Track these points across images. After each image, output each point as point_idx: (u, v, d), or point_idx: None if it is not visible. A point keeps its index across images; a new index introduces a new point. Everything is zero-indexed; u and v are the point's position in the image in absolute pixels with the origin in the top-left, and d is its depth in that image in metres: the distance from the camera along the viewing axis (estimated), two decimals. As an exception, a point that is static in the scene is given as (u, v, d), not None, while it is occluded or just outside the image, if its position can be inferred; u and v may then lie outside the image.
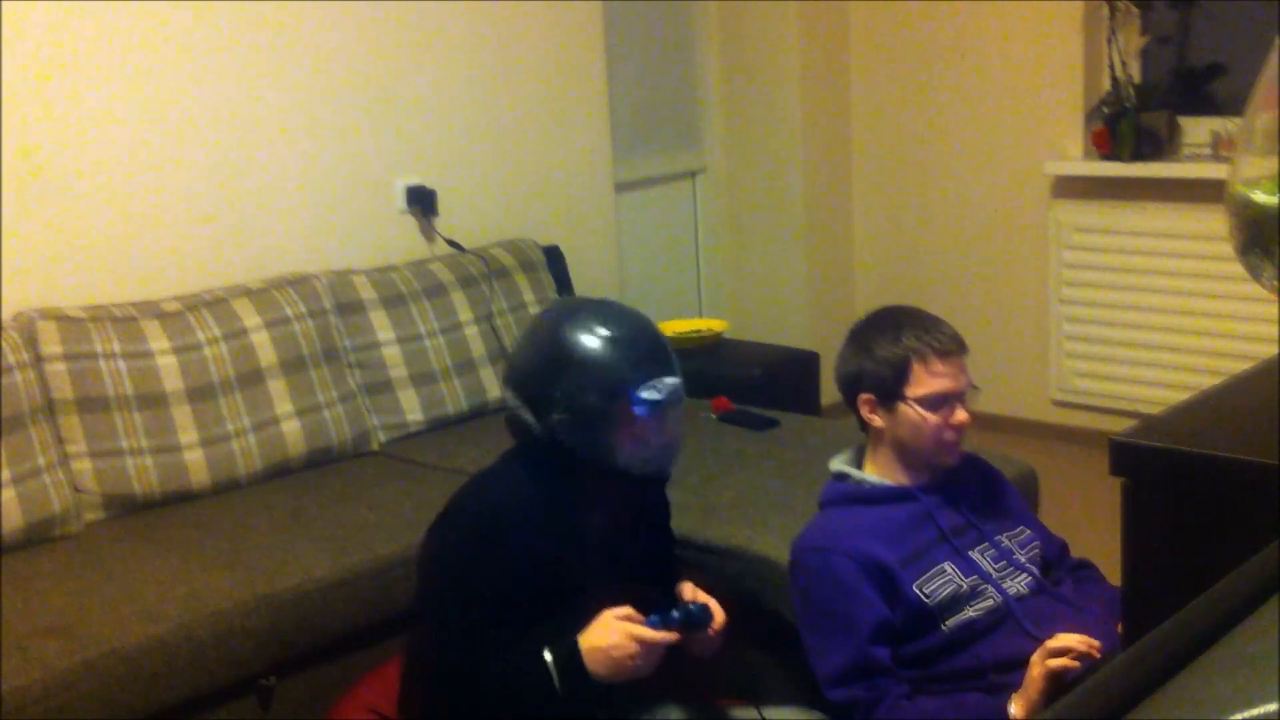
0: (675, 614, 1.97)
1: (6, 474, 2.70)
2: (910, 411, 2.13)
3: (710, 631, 2.02)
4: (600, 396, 1.97)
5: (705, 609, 2.02)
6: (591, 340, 1.99)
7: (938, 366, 2.11)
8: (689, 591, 2.09)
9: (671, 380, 2.02)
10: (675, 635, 1.95)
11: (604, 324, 2.01)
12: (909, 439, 2.15)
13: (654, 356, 2.03)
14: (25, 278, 3.00)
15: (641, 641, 1.91)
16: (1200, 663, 0.91)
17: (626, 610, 1.95)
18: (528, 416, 2.02)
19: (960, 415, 2.13)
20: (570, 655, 1.91)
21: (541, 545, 2.00)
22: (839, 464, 2.28)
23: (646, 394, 1.98)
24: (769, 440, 3.25)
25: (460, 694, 1.97)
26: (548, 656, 1.92)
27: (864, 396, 2.17)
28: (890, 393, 2.14)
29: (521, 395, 2.04)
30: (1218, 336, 4.23)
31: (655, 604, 2.00)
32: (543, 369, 2.02)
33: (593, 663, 1.91)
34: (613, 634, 1.92)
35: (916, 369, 2.12)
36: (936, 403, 2.12)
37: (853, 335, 2.21)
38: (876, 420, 2.18)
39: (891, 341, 2.14)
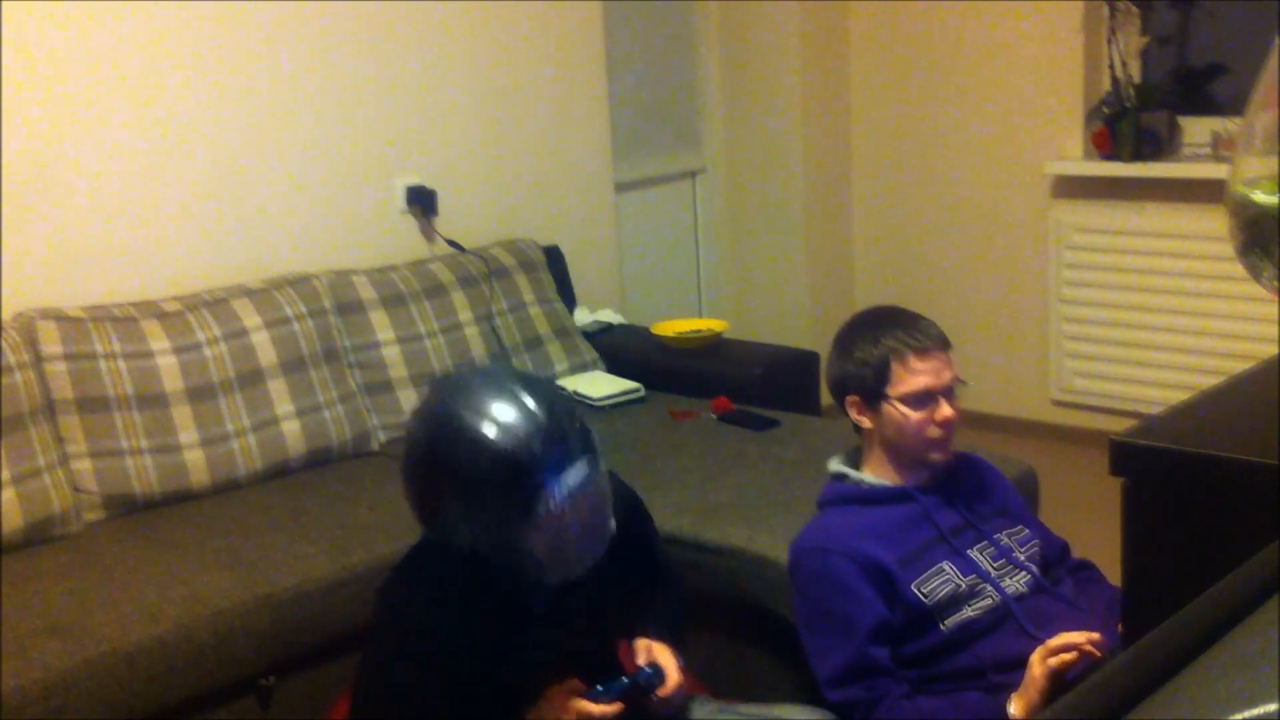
0: (624, 680, 1.92)
1: (6, 474, 2.70)
2: (893, 410, 2.13)
3: (662, 694, 1.94)
4: (486, 515, 1.75)
5: (657, 672, 1.95)
6: (471, 444, 1.73)
7: (916, 364, 2.12)
8: (643, 652, 1.99)
9: (567, 480, 1.75)
10: (618, 706, 1.89)
11: (485, 418, 1.74)
12: (895, 438, 2.16)
13: (550, 450, 1.74)
14: (25, 278, 3.00)
15: (581, 714, 1.85)
16: (1200, 663, 0.91)
17: (571, 684, 1.88)
18: (428, 528, 1.85)
19: (945, 411, 2.13)
20: None
21: (484, 623, 1.88)
22: (837, 465, 2.28)
23: (538, 507, 1.74)
24: (769, 440, 3.24)
25: None
26: None
27: (850, 398, 2.19)
28: (874, 393, 2.15)
29: (414, 505, 1.84)
30: (1218, 336, 4.23)
31: (606, 667, 1.95)
32: (429, 489, 1.80)
33: None
34: (555, 709, 1.85)
35: (896, 368, 2.13)
36: (918, 400, 2.12)
37: (837, 339, 2.23)
38: (865, 421, 2.19)
39: (871, 343, 2.15)
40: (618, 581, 2.03)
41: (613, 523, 1.88)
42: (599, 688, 1.89)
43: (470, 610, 1.88)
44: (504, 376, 1.83)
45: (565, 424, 1.78)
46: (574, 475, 1.76)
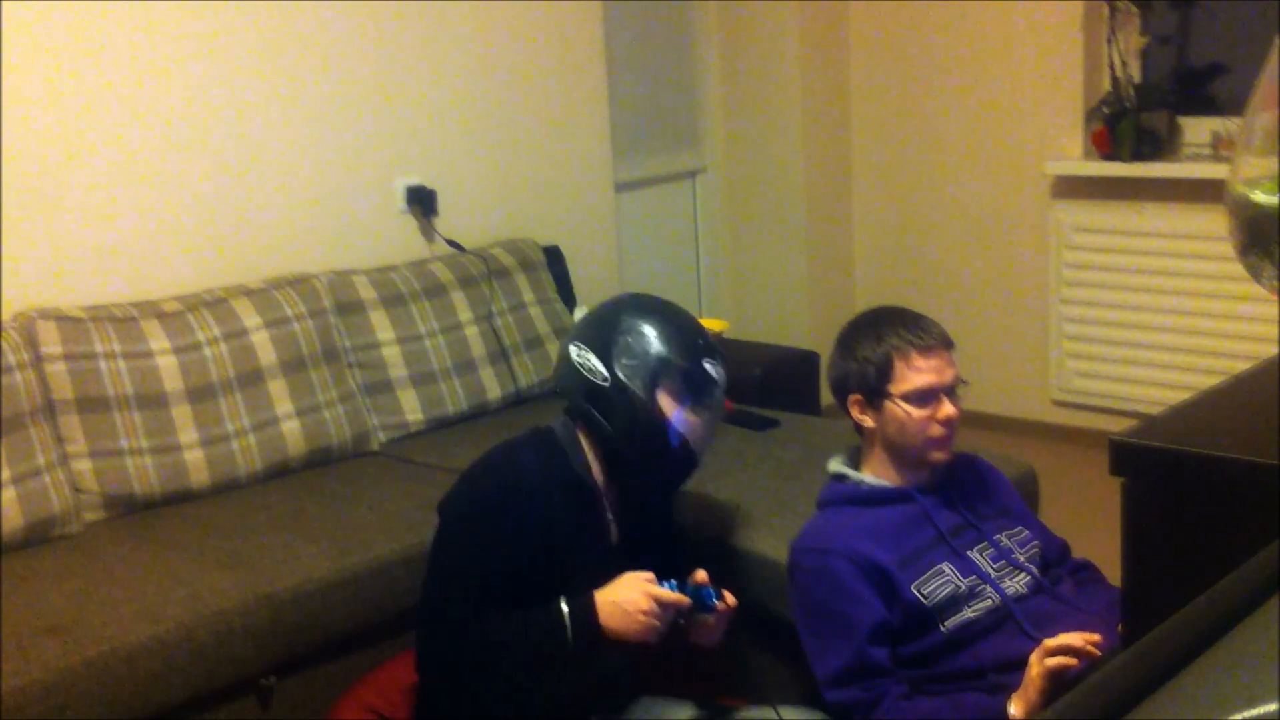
0: (690, 587, 2.03)
1: (6, 474, 2.70)
2: (896, 408, 2.14)
3: (720, 609, 2.06)
4: (665, 354, 2.11)
5: (717, 593, 2.07)
6: (664, 321, 2.15)
7: (919, 362, 2.13)
8: (703, 575, 2.12)
9: (715, 372, 2.16)
10: (688, 600, 2.01)
11: (674, 311, 2.20)
12: (897, 436, 2.16)
13: (711, 349, 2.18)
14: (25, 278, 3.00)
15: (656, 599, 1.97)
16: (1200, 663, 0.91)
17: (647, 574, 2.01)
18: (596, 364, 2.12)
19: (947, 409, 2.14)
20: (585, 607, 1.98)
21: (559, 522, 2.07)
22: (836, 465, 2.29)
23: (707, 365, 2.14)
24: (769, 440, 3.24)
25: (472, 643, 2.01)
26: (563, 606, 1.98)
27: (853, 398, 2.19)
28: (876, 391, 2.15)
29: (592, 347, 2.14)
30: (1218, 336, 4.23)
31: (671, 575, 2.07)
32: (620, 328, 2.14)
33: (606, 616, 1.98)
34: (629, 589, 1.98)
35: (899, 366, 2.13)
36: (921, 398, 2.13)
37: (840, 339, 2.24)
38: (867, 420, 2.19)
39: (874, 341, 2.16)
40: (666, 541, 2.29)
41: (712, 440, 2.24)
42: (671, 581, 2.01)
43: (575, 484, 2.13)
44: (671, 302, 2.25)
45: (711, 337, 2.23)
46: (716, 372, 2.16)
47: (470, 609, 2.02)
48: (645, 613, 1.96)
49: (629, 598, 1.97)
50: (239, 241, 3.40)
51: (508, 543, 2.04)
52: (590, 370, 2.12)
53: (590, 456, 2.18)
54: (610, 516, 2.20)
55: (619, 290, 4.40)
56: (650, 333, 2.13)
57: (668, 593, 1.98)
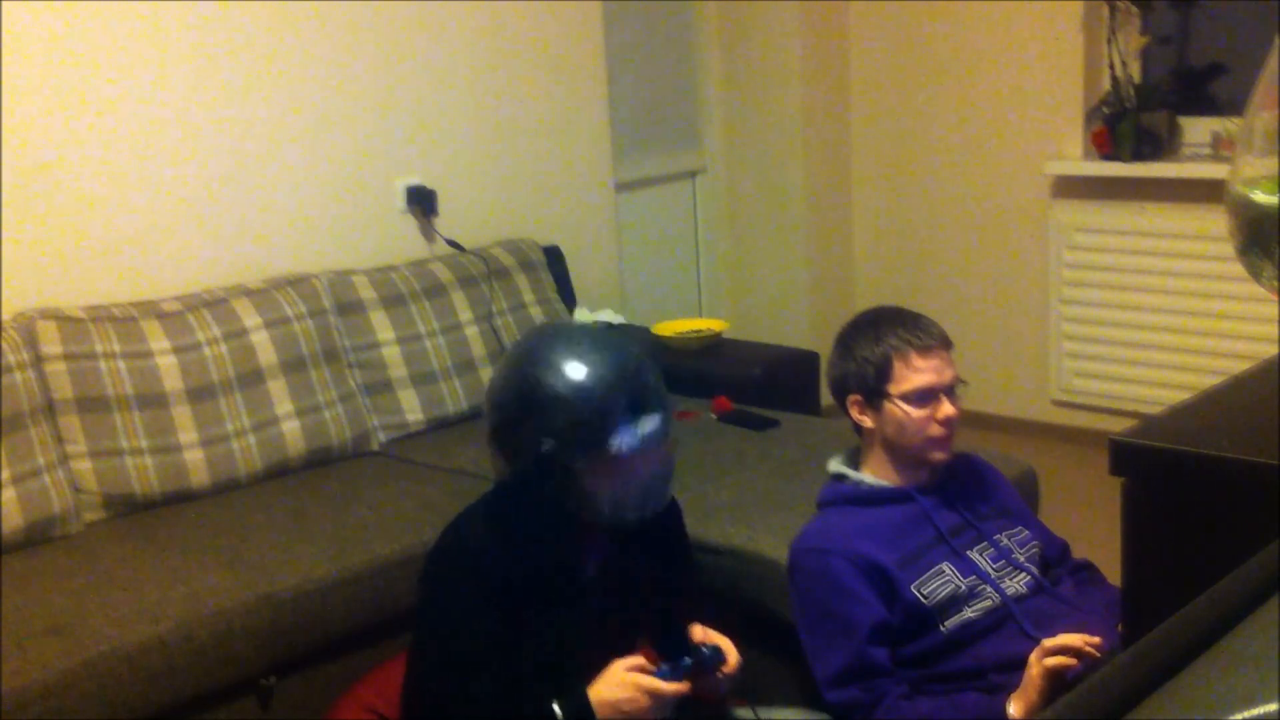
0: (687, 661, 1.92)
1: (6, 474, 2.70)
2: (895, 409, 2.14)
3: (722, 674, 1.96)
4: (573, 442, 1.84)
5: (718, 651, 1.96)
6: (562, 381, 1.85)
7: (918, 362, 2.13)
8: (699, 633, 2.02)
9: (651, 420, 1.88)
10: (686, 686, 1.90)
11: (578, 361, 1.87)
12: (896, 436, 2.16)
13: (633, 395, 1.87)
14: (25, 278, 3.00)
15: (652, 694, 1.87)
16: (1200, 663, 0.91)
17: (637, 660, 1.90)
18: (501, 463, 1.93)
19: (946, 409, 2.14)
20: (580, 709, 1.87)
21: (527, 590, 1.93)
22: (836, 465, 2.29)
23: (623, 441, 1.85)
24: (769, 440, 3.24)
25: None
26: (556, 710, 1.88)
27: (852, 398, 2.19)
28: (875, 391, 2.15)
29: (494, 439, 1.93)
30: (1218, 336, 4.23)
31: (666, 643, 1.96)
32: (512, 413, 1.90)
33: (603, 717, 1.87)
34: (623, 688, 1.87)
35: (898, 366, 2.13)
36: (921, 398, 2.13)
37: (838, 339, 2.24)
38: (866, 421, 2.19)
39: (873, 341, 2.16)
40: (659, 579, 2.07)
41: (671, 490, 1.98)
42: (664, 667, 1.90)
43: (521, 571, 1.92)
44: (592, 329, 1.99)
45: (646, 376, 1.92)
46: (649, 423, 1.88)
47: (457, 678, 1.91)
48: (643, 710, 1.86)
49: (624, 697, 1.87)
50: (239, 241, 3.40)
51: (478, 620, 1.91)
52: (506, 459, 1.93)
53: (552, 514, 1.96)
54: (586, 556, 2.02)
55: (619, 290, 4.40)
56: (554, 425, 1.85)
57: (662, 685, 1.87)
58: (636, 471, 1.89)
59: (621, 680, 1.88)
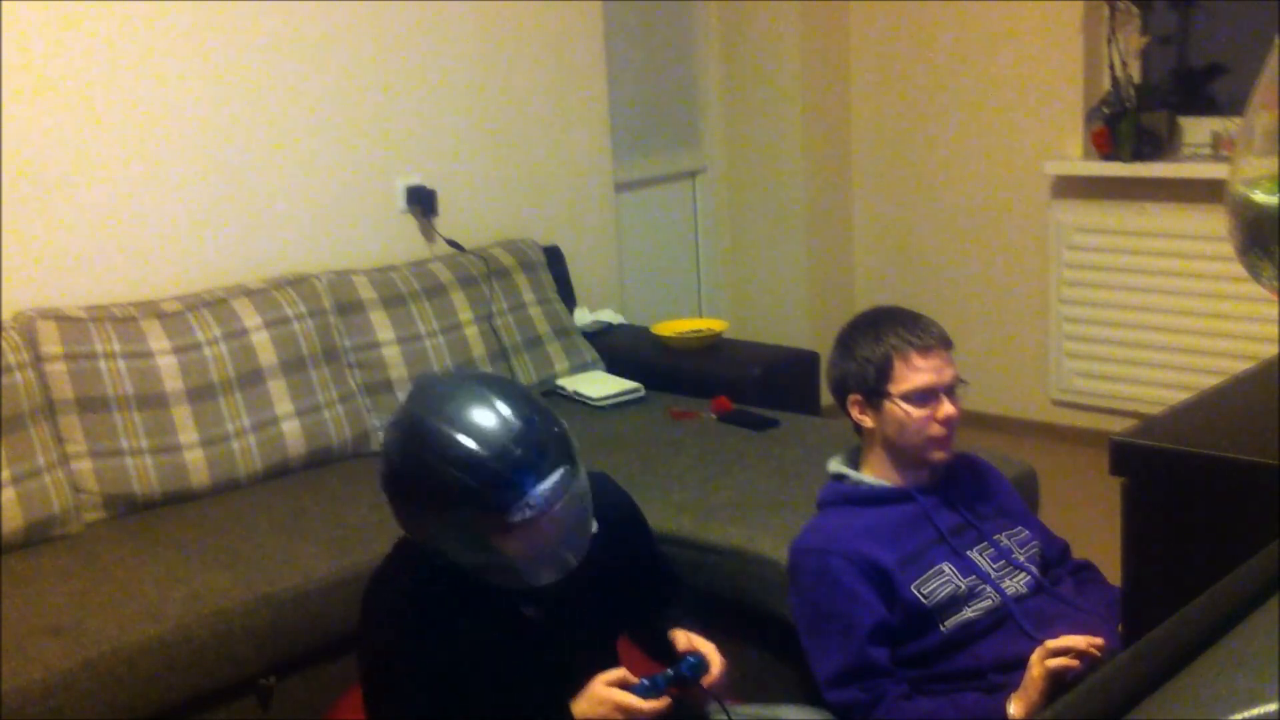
0: (669, 673, 1.89)
1: (6, 474, 2.70)
2: (895, 408, 2.14)
3: (708, 682, 1.92)
4: (466, 524, 1.74)
5: (700, 661, 1.91)
6: (444, 463, 1.71)
7: (919, 361, 2.13)
8: (683, 639, 1.98)
9: (543, 487, 1.72)
10: (666, 702, 1.86)
11: (456, 429, 1.72)
12: (897, 436, 2.16)
13: (523, 461, 1.72)
14: (25, 278, 3.00)
15: (629, 711, 1.83)
16: (1200, 663, 0.91)
17: (618, 674, 1.86)
18: (409, 535, 1.85)
19: (947, 409, 2.14)
20: None
21: (478, 618, 1.87)
22: (836, 465, 2.29)
23: (514, 516, 1.71)
24: (769, 440, 3.24)
25: None
26: None
27: (852, 398, 2.19)
28: (875, 391, 2.15)
29: (393, 511, 1.83)
30: (1218, 336, 4.23)
31: (648, 651, 1.93)
32: (404, 498, 1.79)
33: None
34: (600, 705, 1.84)
35: (898, 365, 2.13)
36: (921, 398, 2.13)
37: (839, 339, 2.24)
38: (867, 420, 2.19)
39: (873, 341, 2.16)
40: (617, 584, 2.01)
41: (593, 524, 1.85)
42: (644, 681, 1.86)
43: (457, 609, 1.86)
44: (477, 383, 1.81)
45: (539, 432, 1.75)
46: (547, 484, 1.72)
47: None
48: None
49: (602, 714, 1.83)
50: (239, 241, 3.40)
51: (426, 658, 1.85)
52: (413, 540, 1.84)
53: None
54: (528, 609, 1.92)
55: (619, 290, 4.40)
56: (441, 506, 1.73)
57: (640, 703, 1.82)
58: (543, 532, 1.75)
59: (600, 697, 1.85)
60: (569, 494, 1.76)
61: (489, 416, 1.74)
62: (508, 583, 1.81)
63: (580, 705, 1.86)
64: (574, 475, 1.78)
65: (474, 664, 1.86)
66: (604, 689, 1.85)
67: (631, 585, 2.06)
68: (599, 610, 1.99)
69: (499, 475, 1.71)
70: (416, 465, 1.74)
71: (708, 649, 1.95)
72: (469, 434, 1.72)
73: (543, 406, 1.83)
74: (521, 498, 1.71)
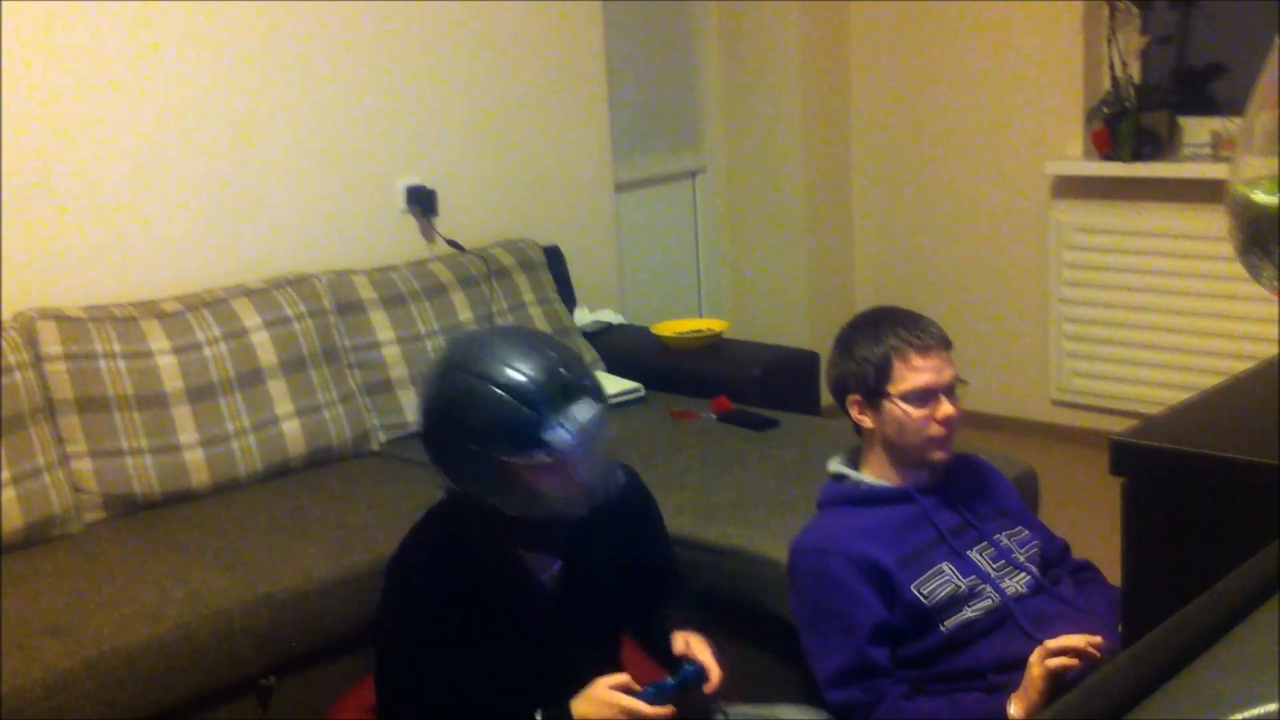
0: (670, 681, 1.91)
1: (6, 474, 2.70)
2: (895, 408, 2.14)
3: (709, 690, 1.94)
4: (506, 452, 1.81)
5: (700, 671, 1.94)
6: (486, 392, 1.81)
7: (918, 361, 2.13)
8: (681, 643, 2.00)
9: (584, 409, 1.83)
10: (669, 710, 1.88)
11: (499, 369, 1.82)
12: (896, 436, 2.16)
13: (560, 392, 1.82)
14: (25, 278, 3.00)
15: (633, 715, 1.85)
16: (1200, 663, 0.91)
17: (621, 679, 1.88)
18: (442, 476, 1.90)
19: (946, 409, 2.14)
20: None
21: (490, 600, 1.91)
22: (836, 465, 2.29)
23: (556, 437, 1.80)
24: (768, 440, 3.24)
25: None
26: (538, 717, 1.87)
27: (852, 398, 2.19)
28: (875, 391, 2.15)
29: (429, 454, 1.91)
30: (1218, 336, 4.23)
31: (646, 649, 1.94)
32: (441, 431, 1.87)
33: None
34: (605, 707, 1.86)
35: (898, 365, 2.13)
36: (920, 398, 2.13)
37: (838, 339, 2.24)
38: (866, 421, 2.19)
39: (873, 341, 2.16)
40: (629, 579, 2.04)
41: (621, 474, 1.94)
42: (649, 688, 1.88)
43: (472, 586, 1.90)
44: (513, 329, 1.95)
45: (577, 370, 1.88)
46: (588, 416, 1.83)
47: (423, 702, 1.90)
48: None
49: (606, 716, 1.85)
50: (239, 241, 3.40)
51: (439, 631, 1.89)
52: (444, 481, 1.91)
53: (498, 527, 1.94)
54: (542, 576, 1.98)
55: (619, 290, 4.40)
56: (480, 433, 1.81)
57: (644, 708, 1.85)
58: (578, 464, 1.84)
59: (603, 699, 1.86)
60: (598, 429, 1.85)
61: (531, 353, 1.85)
62: (535, 514, 1.87)
63: (581, 706, 1.87)
64: (604, 414, 1.87)
65: (481, 643, 1.89)
66: (607, 692, 1.86)
67: (642, 583, 2.08)
68: (608, 602, 2.02)
69: (545, 404, 1.80)
70: (464, 399, 1.83)
71: (706, 656, 1.97)
72: (514, 367, 1.82)
73: (577, 353, 1.95)
74: (565, 425, 1.80)
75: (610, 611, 2.05)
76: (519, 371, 1.82)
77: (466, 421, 1.83)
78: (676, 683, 1.91)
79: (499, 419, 1.80)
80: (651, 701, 1.87)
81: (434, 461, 1.91)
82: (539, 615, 1.95)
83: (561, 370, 1.85)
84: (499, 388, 1.81)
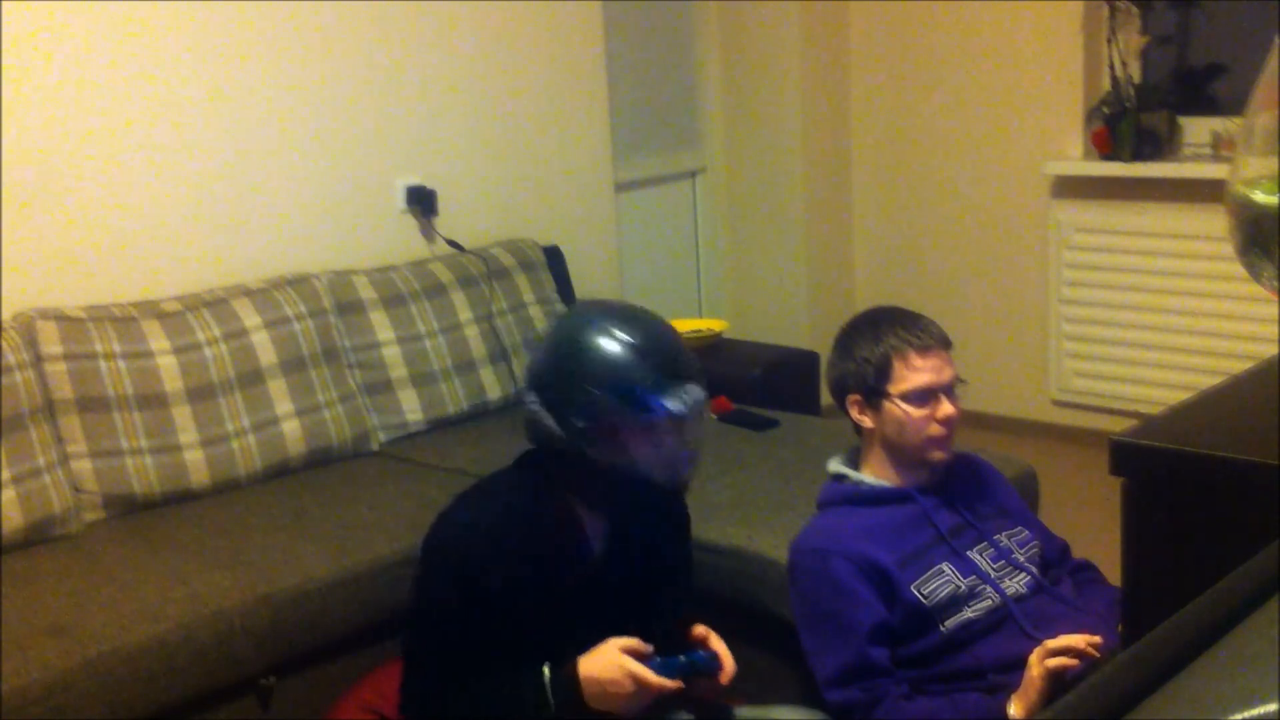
0: (683, 659, 1.92)
1: (6, 474, 2.70)
2: (895, 408, 2.14)
3: (722, 680, 1.97)
4: (622, 403, 1.90)
5: (714, 659, 1.97)
6: (614, 345, 1.92)
7: (918, 361, 2.13)
8: (700, 632, 2.03)
9: (695, 390, 1.94)
10: (677, 684, 1.89)
11: (628, 329, 1.94)
12: (896, 436, 2.16)
13: (677, 365, 1.95)
14: (25, 278, 3.00)
15: (639, 682, 1.87)
16: (1200, 663, 0.91)
17: (631, 642, 1.90)
18: (548, 421, 1.95)
19: (946, 409, 2.14)
20: (569, 678, 1.89)
21: (544, 557, 1.96)
22: (836, 465, 2.29)
23: (669, 403, 1.91)
24: (769, 440, 3.24)
25: (452, 704, 1.94)
26: (547, 673, 1.90)
27: (852, 398, 2.19)
28: (875, 391, 2.15)
29: (541, 399, 1.97)
30: (1218, 336, 4.23)
31: (665, 637, 1.95)
32: (563, 372, 1.95)
33: (588, 693, 1.88)
34: (612, 668, 1.88)
35: (897, 365, 2.13)
36: (920, 397, 2.13)
37: (838, 339, 2.24)
38: (866, 421, 2.19)
39: (873, 341, 2.16)
40: (651, 583, 2.08)
41: (698, 463, 2.01)
42: (659, 659, 1.89)
43: (524, 547, 1.95)
44: (640, 308, 2.04)
45: (689, 352, 2.00)
46: (692, 394, 1.93)
47: (451, 661, 1.94)
48: (626, 696, 1.87)
49: (611, 678, 1.87)
50: (239, 241, 3.40)
51: (479, 592, 1.93)
52: (549, 427, 1.95)
53: (570, 487, 2.03)
54: (595, 544, 2.04)
55: (619, 290, 4.40)
56: (605, 386, 1.91)
57: (651, 676, 1.87)
58: (678, 436, 1.94)
59: (612, 660, 1.89)
60: (700, 411, 1.96)
61: (661, 329, 1.99)
62: (626, 470, 1.94)
63: (590, 664, 1.90)
64: (704, 403, 1.98)
65: (527, 598, 1.93)
66: (618, 655, 1.89)
67: (662, 589, 2.11)
68: (642, 586, 2.05)
69: (665, 371, 1.92)
70: (596, 347, 1.92)
71: (722, 649, 2.01)
72: (645, 334, 1.95)
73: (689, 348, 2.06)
74: (680, 395, 1.91)
75: (640, 596, 2.08)
76: (649, 339, 1.94)
77: (593, 366, 1.92)
78: (687, 661, 1.92)
79: (625, 369, 1.91)
80: (659, 672, 1.88)
81: (545, 406, 1.96)
82: (582, 579, 1.99)
83: (682, 351, 1.98)
84: (629, 346, 1.92)
